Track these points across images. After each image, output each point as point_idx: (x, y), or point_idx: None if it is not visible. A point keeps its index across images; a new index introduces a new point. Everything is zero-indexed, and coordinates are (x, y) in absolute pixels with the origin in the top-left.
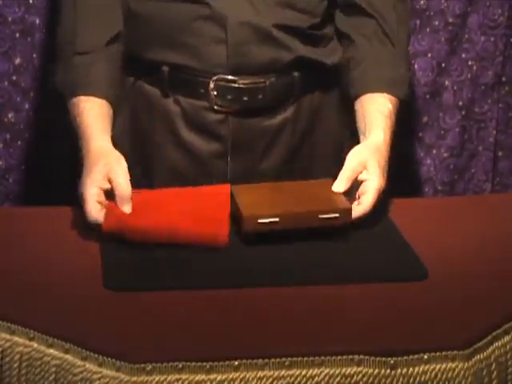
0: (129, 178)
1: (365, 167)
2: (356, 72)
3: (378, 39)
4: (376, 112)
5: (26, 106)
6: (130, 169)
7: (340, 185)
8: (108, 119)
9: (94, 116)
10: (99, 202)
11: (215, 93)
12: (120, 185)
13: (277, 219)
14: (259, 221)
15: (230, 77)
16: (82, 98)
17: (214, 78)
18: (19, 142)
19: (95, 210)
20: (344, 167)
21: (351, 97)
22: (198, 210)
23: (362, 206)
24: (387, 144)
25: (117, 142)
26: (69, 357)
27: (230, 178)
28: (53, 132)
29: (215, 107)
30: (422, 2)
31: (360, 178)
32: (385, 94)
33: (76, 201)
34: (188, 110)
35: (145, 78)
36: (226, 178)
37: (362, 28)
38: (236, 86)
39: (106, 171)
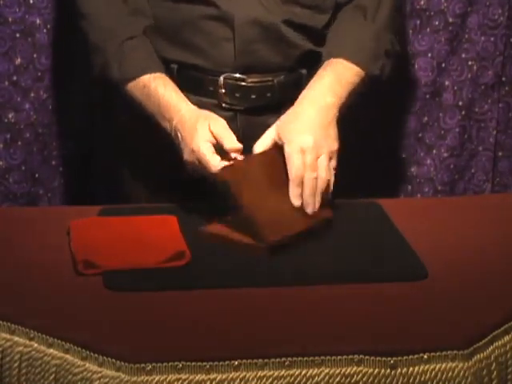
0: (229, 129)
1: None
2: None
3: (350, 14)
4: (315, 76)
5: (26, 106)
6: (140, 162)
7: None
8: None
9: (170, 89)
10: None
11: (223, 91)
12: (226, 138)
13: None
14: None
15: (238, 75)
16: (147, 77)
17: (223, 76)
18: (19, 142)
19: (217, 160)
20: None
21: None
22: (153, 237)
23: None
24: (308, 99)
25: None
26: (69, 357)
27: None
28: (54, 132)
29: (223, 105)
30: (422, 2)
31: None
32: (341, 60)
33: (76, 201)
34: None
35: None
36: None
37: (343, 10)
38: (244, 84)
39: (207, 127)
